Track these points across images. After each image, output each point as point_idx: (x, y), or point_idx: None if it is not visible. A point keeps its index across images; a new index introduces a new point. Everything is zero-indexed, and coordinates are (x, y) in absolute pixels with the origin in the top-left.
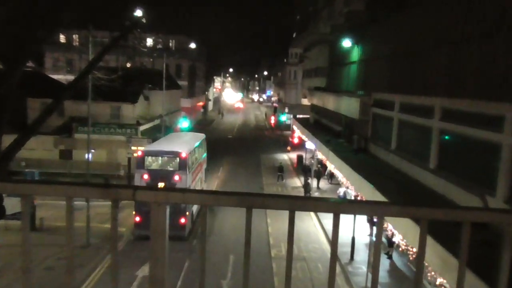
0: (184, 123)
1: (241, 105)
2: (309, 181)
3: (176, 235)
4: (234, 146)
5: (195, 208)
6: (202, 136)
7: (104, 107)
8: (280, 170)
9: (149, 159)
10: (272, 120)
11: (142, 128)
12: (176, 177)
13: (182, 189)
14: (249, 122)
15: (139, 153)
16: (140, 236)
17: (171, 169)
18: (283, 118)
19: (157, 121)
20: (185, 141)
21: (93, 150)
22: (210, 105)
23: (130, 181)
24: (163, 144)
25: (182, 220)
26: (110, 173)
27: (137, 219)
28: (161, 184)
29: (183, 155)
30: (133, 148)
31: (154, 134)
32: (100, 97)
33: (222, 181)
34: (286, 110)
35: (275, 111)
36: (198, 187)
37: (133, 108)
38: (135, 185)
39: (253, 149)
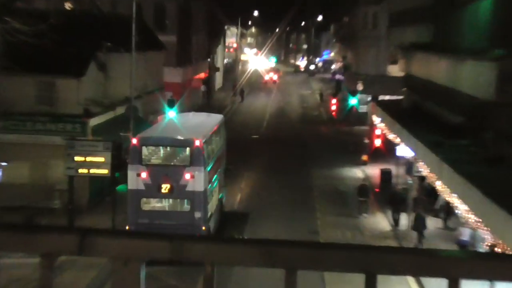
0: (170, 112)
1: (274, 78)
2: (402, 217)
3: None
4: (263, 154)
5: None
6: (219, 118)
7: (25, 85)
8: (363, 193)
9: (147, 150)
10: (334, 105)
11: (93, 122)
12: (187, 176)
13: (170, 235)
14: (289, 110)
15: (134, 141)
16: None
17: (180, 164)
18: (353, 101)
19: (120, 110)
20: (197, 124)
21: (4, 164)
22: (218, 79)
23: (72, 219)
24: (167, 129)
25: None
26: (38, 204)
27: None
28: (165, 187)
29: (197, 143)
30: (76, 159)
31: (115, 133)
32: (18, 65)
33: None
34: (360, 86)
35: (337, 88)
36: (215, 196)
37: (78, 86)
38: (86, 229)
39: (298, 160)
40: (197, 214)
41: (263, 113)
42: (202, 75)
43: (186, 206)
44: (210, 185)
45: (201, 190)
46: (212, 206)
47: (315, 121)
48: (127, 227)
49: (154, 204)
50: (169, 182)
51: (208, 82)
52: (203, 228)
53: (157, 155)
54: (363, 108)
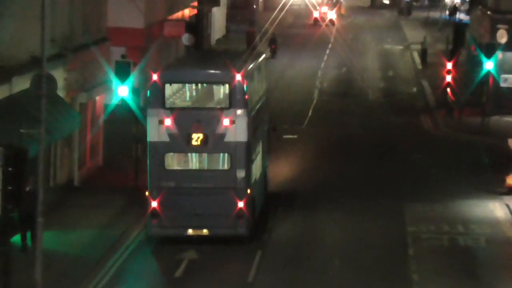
0: (121, 89)
1: (331, 16)
2: None
3: (224, 234)
4: (307, 173)
5: (256, 179)
6: (261, 54)
7: None
8: None
9: (172, 89)
10: (449, 74)
11: None
12: (226, 121)
13: None
14: (359, 82)
15: (154, 77)
16: (159, 237)
17: (216, 106)
18: (489, 66)
19: (21, 82)
20: (233, 58)
21: None
22: (218, 20)
23: None
24: (196, 61)
25: (239, 206)
26: None
27: (154, 205)
28: (196, 137)
29: (239, 78)
30: None
31: (11, 128)
32: None
33: None
34: (503, 37)
35: (457, 41)
36: (259, 160)
37: None
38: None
39: (377, 185)
40: (240, 173)
41: (308, 89)
42: (185, 12)
43: (225, 163)
44: (254, 138)
45: (244, 141)
46: (256, 169)
47: (412, 105)
48: (146, 193)
49: (182, 161)
50: (201, 130)
51: (197, 26)
52: (249, 190)
53: (185, 95)
54: (507, 80)
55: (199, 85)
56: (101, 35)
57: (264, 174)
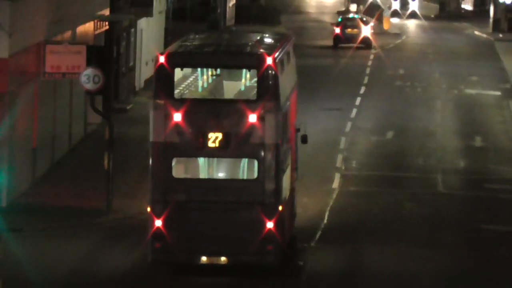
0: None
1: (364, 31)
2: None
3: (248, 263)
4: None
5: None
6: (288, 36)
7: None
8: None
9: (182, 74)
10: None
11: None
12: (252, 117)
13: None
14: (419, 156)
15: (161, 59)
16: (162, 263)
17: (240, 97)
18: None
19: None
20: (259, 38)
21: None
22: (149, 41)
23: None
24: (214, 41)
25: (268, 227)
26: None
27: (158, 224)
28: (214, 137)
29: (269, 61)
30: None
31: None
32: None
33: None
34: None
35: None
36: (289, 169)
37: None
38: None
39: None
40: (269, 184)
41: (322, 172)
42: (87, 29)
43: (250, 171)
44: (285, 142)
45: (274, 143)
46: (286, 185)
47: None
48: (148, 209)
49: (195, 167)
50: (220, 129)
51: (106, 54)
52: (280, 207)
53: (200, 83)
54: None
55: (218, 70)
56: None
57: (292, 198)
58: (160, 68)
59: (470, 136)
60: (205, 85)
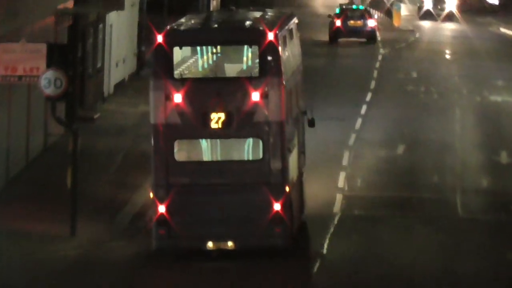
0: None
1: (369, 23)
2: None
3: (256, 246)
4: None
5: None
6: (290, 15)
7: None
8: None
9: (182, 53)
10: None
11: None
12: (255, 95)
13: None
14: (434, 173)
15: (159, 38)
16: (167, 251)
17: (242, 75)
18: None
19: None
20: (260, 16)
21: None
22: (119, 39)
23: None
24: (214, 18)
25: (275, 209)
26: None
27: (162, 209)
28: (217, 117)
29: (271, 36)
30: None
31: None
32: None
33: None
34: None
35: None
36: (295, 152)
37: None
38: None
39: None
40: (275, 164)
41: (321, 192)
42: (46, 24)
43: (255, 151)
44: (291, 120)
45: (279, 120)
46: (293, 166)
47: None
48: (151, 194)
49: (198, 150)
50: (223, 108)
51: (70, 54)
52: (287, 188)
53: (201, 62)
54: None
55: (219, 47)
56: None
57: (300, 183)
58: (158, 48)
59: (495, 150)
60: (206, 64)
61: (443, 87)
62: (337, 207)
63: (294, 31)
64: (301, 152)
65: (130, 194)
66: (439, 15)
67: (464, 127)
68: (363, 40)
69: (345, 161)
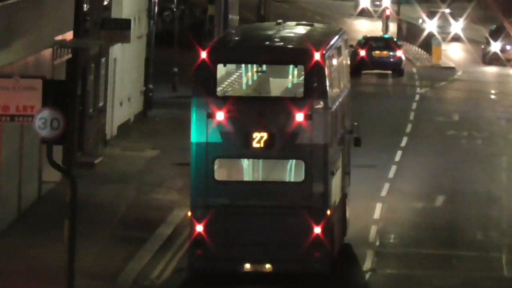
0: None
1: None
2: None
3: (294, 270)
4: None
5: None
6: (338, 30)
7: None
8: None
9: (226, 70)
10: None
11: None
12: (299, 116)
13: None
14: (478, 229)
15: (203, 55)
16: (204, 272)
17: (286, 95)
18: None
19: None
20: (307, 33)
21: None
22: (123, 75)
23: None
24: (258, 36)
25: (316, 233)
26: None
27: (200, 229)
28: (259, 137)
29: (317, 56)
30: None
31: None
32: None
33: None
34: None
35: None
36: (339, 175)
37: None
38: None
39: None
40: (317, 187)
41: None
42: (43, 56)
43: (297, 173)
44: (335, 143)
45: (323, 143)
46: (336, 189)
47: None
48: (189, 213)
49: (238, 170)
50: (265, 128)
51: (69, 93)
52: (328, 212)
53: (245, 79)
54: None
55: (263, 66)
56: None
57: (343, 204)
58: (201, 64)
59: None
60: (250, 82)
61: (487, 132)
62: (367, 264)
63: (343, 48)
64: (346, 173)
65: (135, 250)
66: (509, 60)
67: (511, 178)
68: (389, 72)
69: (377, 214)
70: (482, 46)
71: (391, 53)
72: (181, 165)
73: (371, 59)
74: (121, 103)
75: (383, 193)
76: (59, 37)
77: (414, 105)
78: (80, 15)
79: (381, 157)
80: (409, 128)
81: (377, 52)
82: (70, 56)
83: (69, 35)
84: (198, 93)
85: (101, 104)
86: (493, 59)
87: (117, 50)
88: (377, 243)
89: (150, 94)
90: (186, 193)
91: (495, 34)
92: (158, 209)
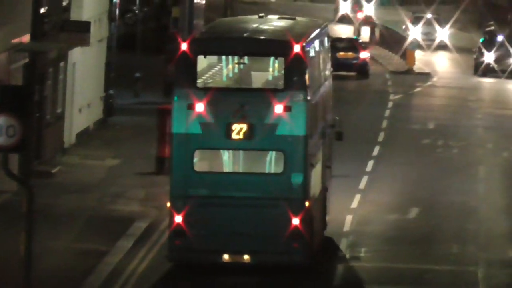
0: None
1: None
2: None
3: (272, 262)
4: None
5: (315, 190)
6: (319, 23)
7: None
8: None
9: (206, 62)
10: None
11: None
12: (279, 108)
13: None
14: (453, 242)
15: (183, 46)
16: (182, 262)
17: (266, 86)
18: None
19: None
20: (287, 24)
21: None
22: (83, 79)
23: None
24: (240, 27)
25: (294, 224)
26: None
27: (179, 220)
28: (238, 128)
29: (297, 49)
30: None
31: None
32: None
33: None
34: None
35: None
36: (319, 167)
37: None
38: None
39: None
40: (296, 179)
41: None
42: None
43: (276, 164)
44: (315, 134)
45: (301, 135)
46: (315, 182)
47: None
48: (168, 204)
49: (218, 161)
50: (245, 119)
51: (26, 99)
52: (307, 203)
53: (225, 71)
54: None
55: (244, 58)
56: None
57: (323, 199)
58: (182, 56)
59: None
60: (230, 74)
61: (465, 141)
62: (337, 280)
63: (324, 42)
64: (327, 167)
65: (94, 263)
66: (428, 46)
67: (489, 188)
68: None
69: (347, 227)
70: (474, 56)
71: (355, 55)
72: (143, 175)
73: (335, 61)
74: (80, 110)
75: (354, 204)
76: (15, 40)
77: (387, 113)
78: (38, 17)
79: (352, 167)
80: (381, 136)
81: (341, 53)
82: (27, 60)
83: (25, 38)
84: (179, 84)
85: (59, 110)
86: (487, 71)
87: (76, 54)
88: (347, 256)
89: (111, 100)
90: (148, 204)
91: (488, 43)
92: (119, 220)
